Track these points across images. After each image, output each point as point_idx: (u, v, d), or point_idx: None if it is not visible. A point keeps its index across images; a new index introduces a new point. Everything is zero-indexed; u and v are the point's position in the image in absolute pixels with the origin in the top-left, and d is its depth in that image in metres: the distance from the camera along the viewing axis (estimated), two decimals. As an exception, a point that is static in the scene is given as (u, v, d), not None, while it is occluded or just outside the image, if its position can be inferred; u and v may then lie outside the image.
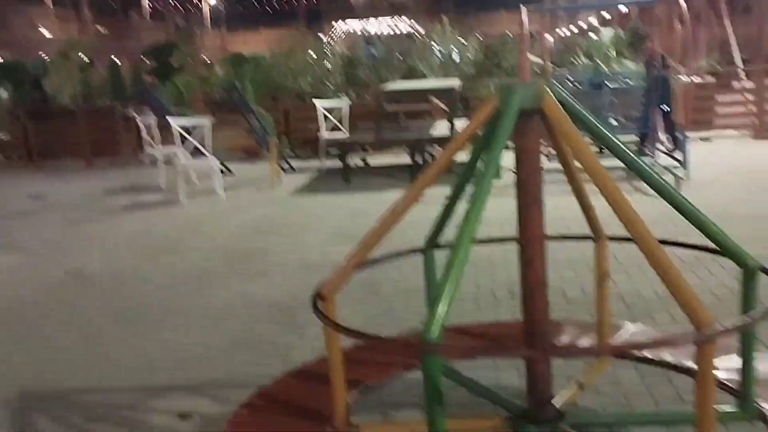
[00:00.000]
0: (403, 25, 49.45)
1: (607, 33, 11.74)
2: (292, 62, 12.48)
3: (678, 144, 8.64)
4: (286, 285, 5.21)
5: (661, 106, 8.55)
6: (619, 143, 2.17)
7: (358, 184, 9.15)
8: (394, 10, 52.21)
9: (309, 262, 5.71)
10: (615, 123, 9.22)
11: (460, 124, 9.98)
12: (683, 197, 2.16)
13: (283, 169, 10.44)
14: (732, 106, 11.81)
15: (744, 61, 14.36)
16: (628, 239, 2.04)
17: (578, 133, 2.11)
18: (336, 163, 9.87)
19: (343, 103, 10.88)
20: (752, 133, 11.20)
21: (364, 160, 10.80)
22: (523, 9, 8.67)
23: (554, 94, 2.11)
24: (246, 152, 11.64)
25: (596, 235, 2.70)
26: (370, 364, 2.72)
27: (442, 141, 9.09)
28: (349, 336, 2.04)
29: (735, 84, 12.49)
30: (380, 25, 50.72)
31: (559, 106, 2.08)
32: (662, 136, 9.21)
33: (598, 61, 11.12)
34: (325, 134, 10.67)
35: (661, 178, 2.19)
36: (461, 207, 2.13)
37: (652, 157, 9.34)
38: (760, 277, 2.21)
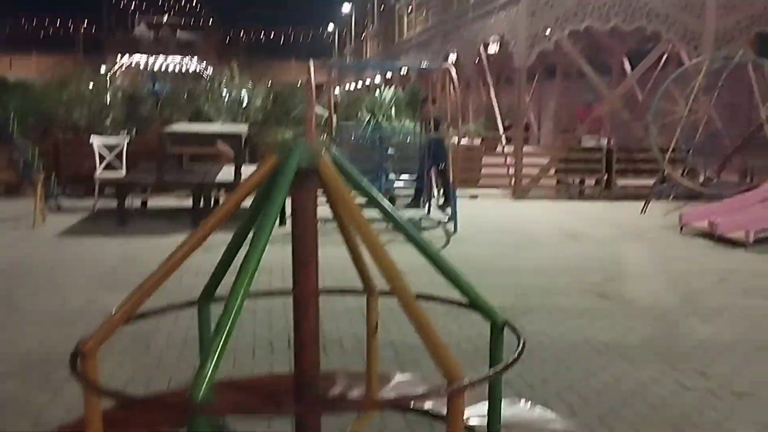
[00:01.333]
0: (193, 65, 48.54)
1: (388, 92, 12.47)
2: (66, 93, 11.63)
3: (448, 200, 9.35)
4: (42, 336, 4.77)
5: (436, 165, 9.22)
6: (383, 202, 2.32)
7: (135, 227, 8.70)
8: (183, 49, 51.14)
9: (71, 311, 5.29)
10: (393, 177, 9.76)
11: (247, 170, 9.95)
12: (439, 253, 2.36)
13: (50, 208, 9.66)
14: (495, 168, 13.06)
15: (507, 127, 16.01)
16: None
17: (348, 192, 2.21)
18: (113, 204, 9.32)
19: (121, 140, 10.34)
20: (511, 193, 12.44)
21: (144, 201, 10.33)
22: (311, 61, 8.95)
23: (330, 155, 2.20)
24: (6, 187, 10.59)
25: (367, 288, 2.82)
26: (135, 425, 2.57)
27: (227, 186, 8.99)
28: (109, 397, 1.92)
29: (498, 148, 13.87)
30: (168, 63, 49.35)
31: (333, 166, 2.18)
32: (436, 192, 9.93)
33: (379, 117, 11.74)
34: (101, 172, 10.05)
35: (419, 234, 2.37)
36: (240, 258, 2.12)
37: (424, 210, 10.01)
38: (506, 331, 2.44)
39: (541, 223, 9.90)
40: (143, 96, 13.16)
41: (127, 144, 10.25)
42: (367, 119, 12.10)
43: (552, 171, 12.97)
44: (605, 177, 12.68)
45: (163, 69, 46.89)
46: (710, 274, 6.93)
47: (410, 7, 23.21)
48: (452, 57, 17.18)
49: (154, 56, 49.55)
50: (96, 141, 10.22)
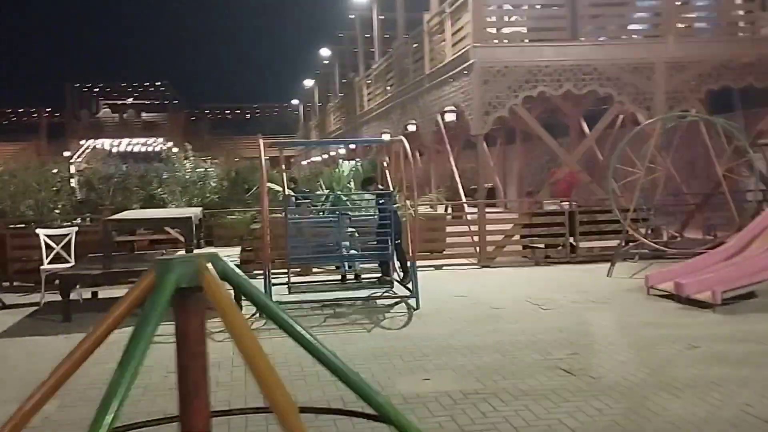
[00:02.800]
0: (158, 145, 48.47)
1: (347, 165, 12.32)
2: (12, 183, 11.29)
3: (407, 275, 9.07)
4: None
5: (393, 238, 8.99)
6: (276, 309, 2.04)
7: (81, 321, 8.25)
8: (148, 131, 51.12)
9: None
10: (354, 252, 9.49)
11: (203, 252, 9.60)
12: (330, 356, 2.06)
13: (-7, 305, 9.21)
14: (460, 236, 12.86)
15: (471, 190, 15.97)
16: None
17: (236, 309, 1.94)
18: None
19: (69, 231, 9.98)
20: (477, 261, 12.22)
21: (94, 293, 9.91)
22: (261, 139, 8.79)
23: (217, 268, 1.92)
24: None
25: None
26: None
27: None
28: None
29: (461, 215, 13.72)
30: (132, 145, 49.26)
31: (219, 282, 1.90)
32: (397, 266, 9.67)
33: (338, 191, 11.58)
34: (47, 265, 9.64)
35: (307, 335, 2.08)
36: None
37: (391, 286, 9.72)
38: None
39: (506, 293, 9.65)
40: (98, 182, 12.84)
41: (78, 234, 9.89)
42: (325, 194, 11.92)
43: (517, 237, 12.82)
44: (569, 240, 12.55)
45: (128, 150, 46.80)
46: (679, 341, 6.68)
47: (369, 80, 23.45)
48: (411, 127, 17.25)
49: (118, 139, 49.52)
50: (42, 233, 9.85)
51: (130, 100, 55.41)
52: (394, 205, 9.29)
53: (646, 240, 11.22)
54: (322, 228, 9.40)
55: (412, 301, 8.71)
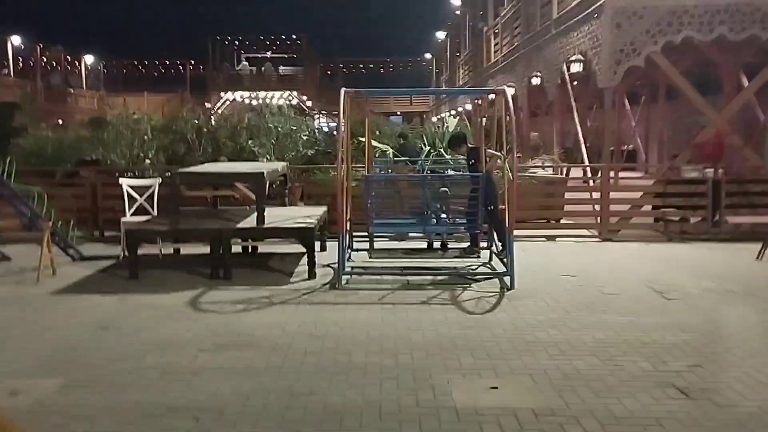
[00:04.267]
0: (294, 99, 49.02)
1: (452, 122, 11.08)
2: (106, 132, 11.03)
3: (504, 248, 7.82)
4: None
5: (485, 206, 7.75)
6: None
7: (146, 280, 7.75)
8: (284, 84, 51.68)
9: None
10: (443, 219, 8.30)
11: (281, 212, 8.85)
12: None
13: (71, 257, 8.93)
14: (579, 204, 11.30)
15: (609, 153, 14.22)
16: None
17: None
18: (152, 250, 8.54)
19: (153, 182, 9.52)
20: (598, 234, 10.66)
21: (177, 249, 9.46)
22: (343, 90, 7.77)
23: None
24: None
25: None
26: None
27: (247, 234, 7.90)
28: None
29: (580, 181, 12.10)
30: (269, 97, 50.00)
31: None
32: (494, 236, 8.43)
33: (439, 149, 10.42)
34: (129, 217, 9.25)
35: None
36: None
37: (482, 258, 8.51)
38: None
39: (625, 273, 8.16)
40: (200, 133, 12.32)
41: (158, 186, 9.42)
42: (426, 152, 10.78)
43: (648, 207, 11.09)
44: (713, 213, 10.65)
45: (266, 103, 47.49)
46: None
47: (497, 29, 21.73)
48: (536, 80, 15.58)
49: (255, 92, 50.50)
50: (125, 182, 9.46)
51: (268, 54, 56.31)
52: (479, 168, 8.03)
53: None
54: (409, 190, 8.30)
55: (506, 279, 7.48)
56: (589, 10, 11.44)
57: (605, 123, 11.51)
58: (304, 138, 11.33)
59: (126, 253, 8.25)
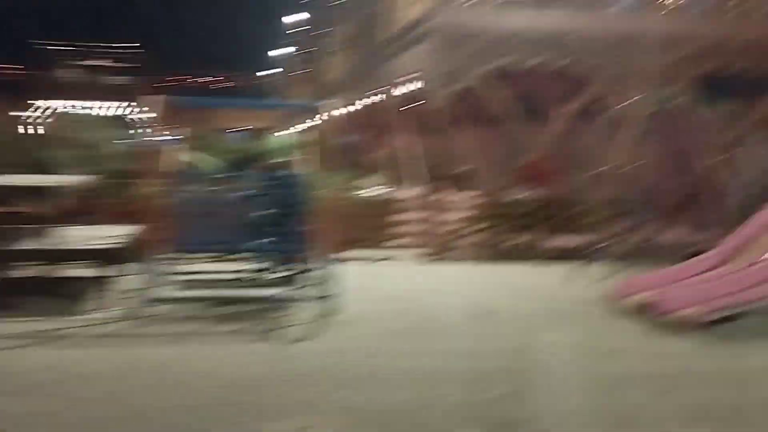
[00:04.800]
0: (120, 110, 46.32)
1: (276, 137, 10.60)
2: None
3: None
4: None
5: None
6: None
7: None
8: (118, 94, 48.80)
9: None
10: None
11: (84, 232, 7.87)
12: None
13: None
14: (410, 224, 11.19)
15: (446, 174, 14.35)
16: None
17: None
18: None
19: None
20: (431, 253, 10.57)
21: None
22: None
23: None
24: None
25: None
26: None
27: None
28: None
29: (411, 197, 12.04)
30: (99, 108, 46.87)
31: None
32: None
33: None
34: None
35: None
36: None
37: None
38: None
39: (449, 295, 8.05)
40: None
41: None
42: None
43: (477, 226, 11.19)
44: (537, 234, 10.92)
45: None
46: (651, 381, 5.09)
47: (335, 47, 21.65)
48: (367, 101, 15.52)
49: (86, 102, 47.25)
50: None
51: (105, 62, 53.17)
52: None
53: (622, 239, 9.65)
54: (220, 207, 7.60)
55: (325, 305, 7.04)
56: (415, 34, 11.48)
57: (441, 143, 11.54)
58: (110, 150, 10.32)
59: None
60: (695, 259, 8.16)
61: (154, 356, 5.49)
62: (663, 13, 11.11)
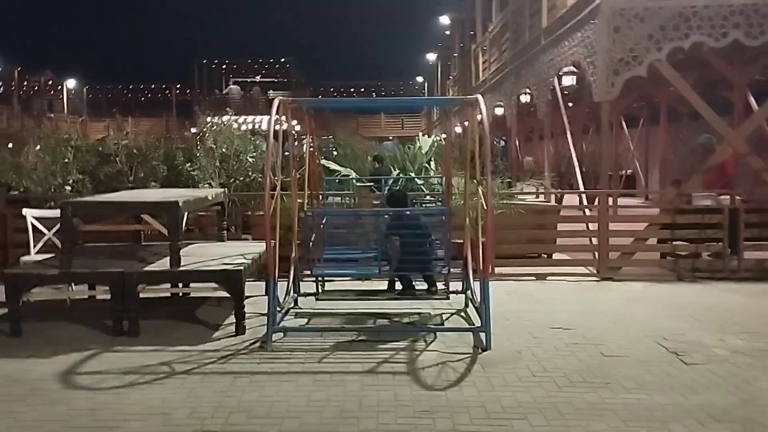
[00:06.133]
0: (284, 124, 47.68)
1: (425, 142, 9.60)
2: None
3: (474, 297, 6.25)
4: None
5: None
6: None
7: (32, 338, 6.16)
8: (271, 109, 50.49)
9: None
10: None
11: (211, 249, 7.31)
12: None
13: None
14: (573, 237, 9.75)
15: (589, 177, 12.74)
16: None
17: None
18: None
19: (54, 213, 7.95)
20: (596, 271, 9.10)
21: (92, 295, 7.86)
22: (277, 98, 6.26)
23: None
24: None
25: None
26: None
27: (156, 277, 6.32)
28: None
29: (576, 210, 10.57)
30: (257, 122, 48.65)
31: None
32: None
33: (409, 172, 8.91)
34: (33, 255, 7.68)
35: None
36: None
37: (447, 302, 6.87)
38: None
39: (626, 324, 6.59)
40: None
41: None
42: (395, 175, 9.25)
43: (654, 240, 9.56)
44: (729, 247, 9.10)
45: (255, 127, 45.92)
46: None
47: (485, 46, 20.38)
48: (525, 98, 14.15)
49: (243, 116, 49.21)
50: (29, 214, 7.90)
51: (257, 78, 55.25)
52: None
53: None
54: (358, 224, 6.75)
55: (481, 336, 5.89)
56: (582, 15, 10.01)
57: (603, 144, 9.99)
58: (251, 160, 9.80)
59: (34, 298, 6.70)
60: None
61: (272, 401, 4.62)
62: None
